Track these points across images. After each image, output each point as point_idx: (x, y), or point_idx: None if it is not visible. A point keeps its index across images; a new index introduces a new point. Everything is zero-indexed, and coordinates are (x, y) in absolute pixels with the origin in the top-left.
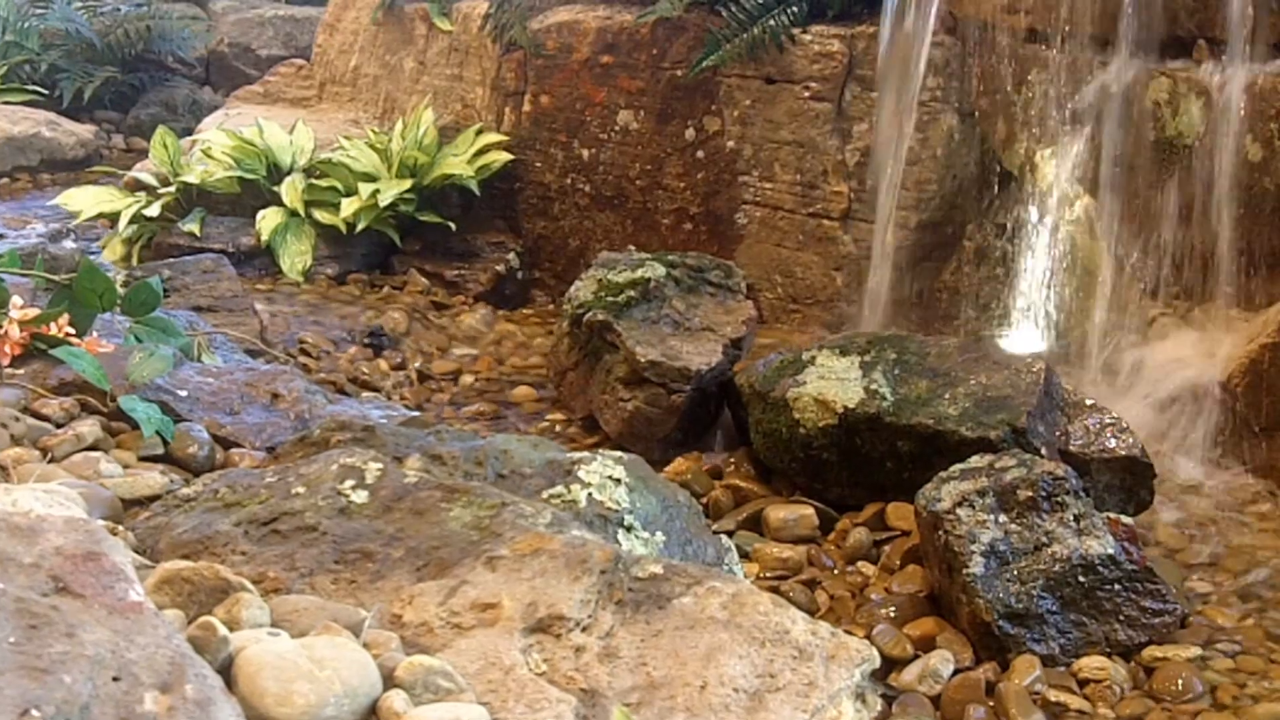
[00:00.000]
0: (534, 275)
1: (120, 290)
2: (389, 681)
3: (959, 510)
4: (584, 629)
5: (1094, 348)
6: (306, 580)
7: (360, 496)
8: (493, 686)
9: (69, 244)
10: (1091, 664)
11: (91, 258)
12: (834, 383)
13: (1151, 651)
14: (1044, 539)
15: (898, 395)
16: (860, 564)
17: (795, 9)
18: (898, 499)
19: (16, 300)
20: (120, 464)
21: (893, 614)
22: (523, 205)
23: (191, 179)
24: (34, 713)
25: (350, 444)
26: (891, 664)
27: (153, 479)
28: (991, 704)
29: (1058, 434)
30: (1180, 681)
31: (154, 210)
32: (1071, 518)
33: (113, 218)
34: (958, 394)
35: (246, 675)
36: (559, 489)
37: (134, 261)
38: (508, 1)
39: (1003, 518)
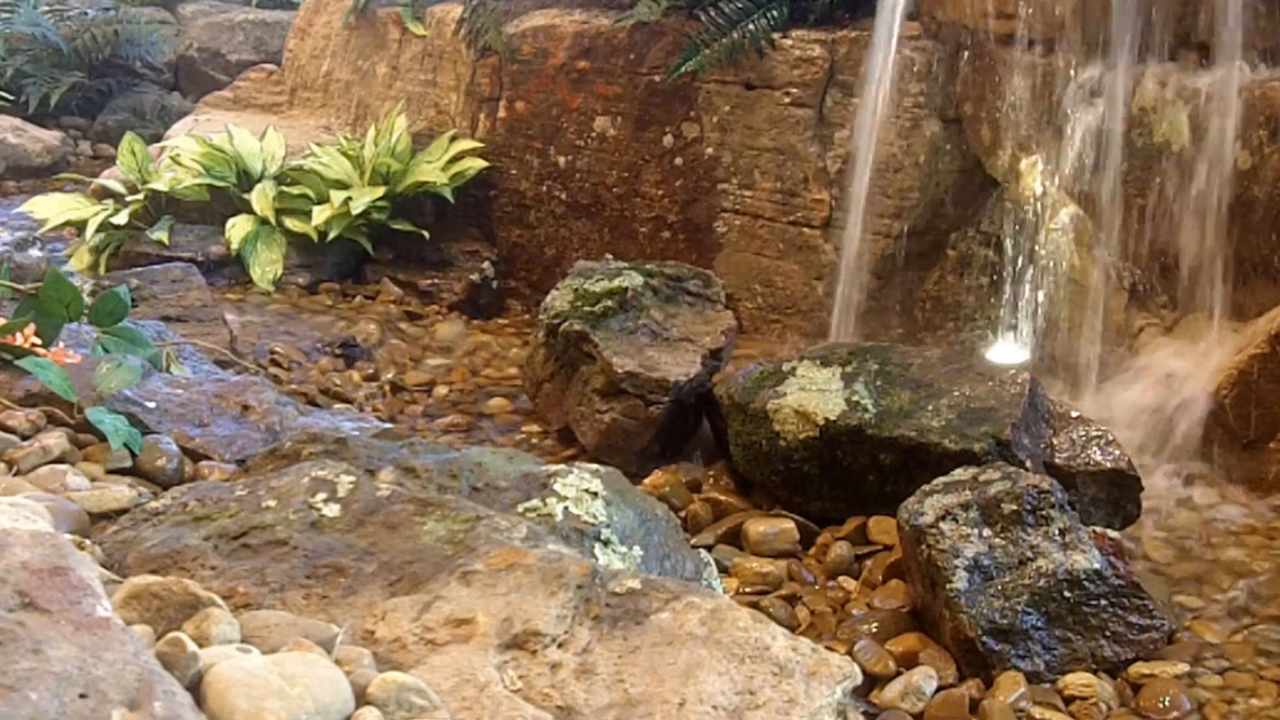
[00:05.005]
0: (509, 284)
1: (87, 300)
2: (361, 699)
3: (942, 524)
4: (560, 645)
5: (1080, 358)
6: (277, 595)
7: (332, 510)
8: (467, 704)
9: (35, 252)
10: (1077, 681)
11: (58, 266)
12: (815, 394)
13: (1138, 668)
14: (1029, 553)
15: (880, 407)
16: (841, 579)
17: (775, 14)
18: (880, 513)
19: None
20: (87, 477)
21: (874, 630)
22: (498, 213)
23: (160, 186)
24: None
25: (322, 457)
26: (873, 681)
27: (120, 492)
28: None
29: (1043, 446)
30: (1168, 698)
31: (122, 218)
32: (1057, 532)
33: (80, 226)
34: (941, 406)
35: (216, 692)
36: (534, 502)
37: (101, 270)
38: (482, 6)
39: (986, 532)
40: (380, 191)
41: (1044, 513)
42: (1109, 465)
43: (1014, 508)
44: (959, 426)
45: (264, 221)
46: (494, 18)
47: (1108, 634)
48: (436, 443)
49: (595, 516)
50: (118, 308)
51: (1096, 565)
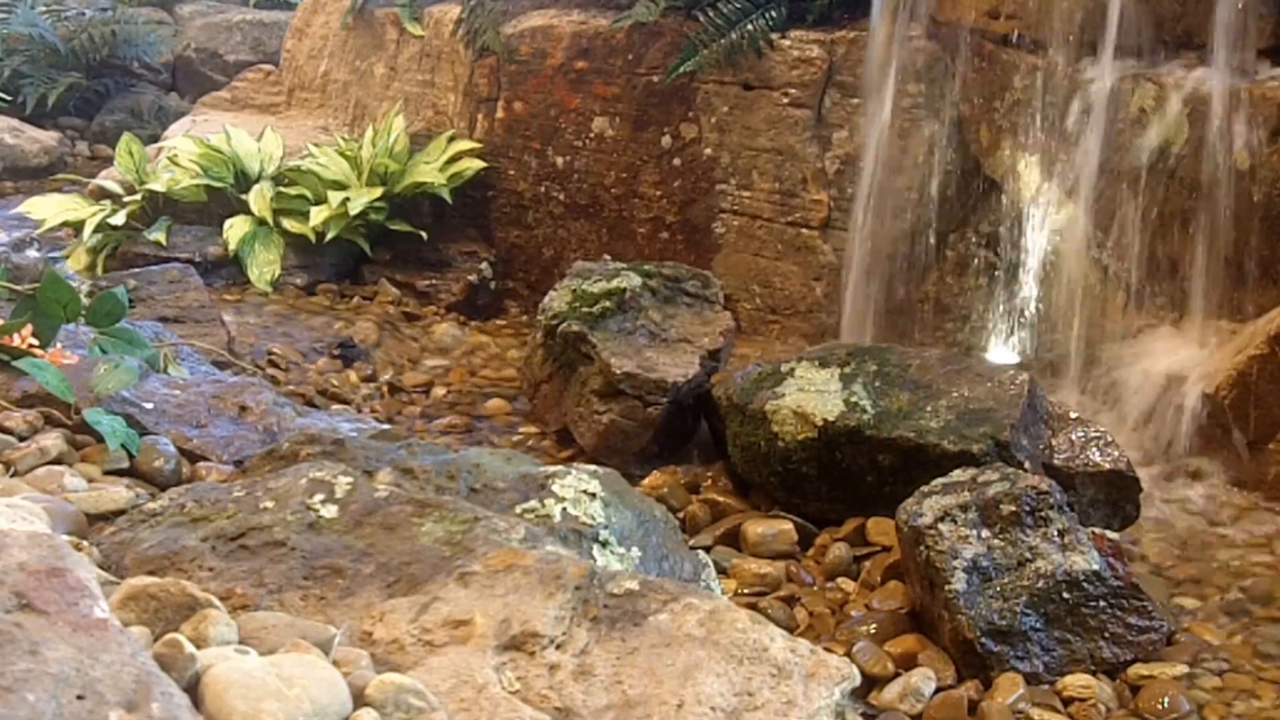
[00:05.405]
0: (507, 285)
1: (85, 300)
2: (359, 700)
3: (941, 525)
4: (558, 646)
5: (1078, 359)
6: (275, 597)
7: (330, 511)
8: (465, 705)
9: (32, 253)
10: (1076, 682)
11: (55, 267)
12: (813, 395)
13: (1137, 669)
14: (1027, 554)
15: (878, 408)
16: (840, 580)
17: (774, 14)
18: (878, 514)
19: None
20: (85, 478)
21: (873, 631)
22: (496, 214)
23: (157, 187)
24: None
25: (320, 457)
26: (872, 682)
27: (118, 493)
28: None
29: (1041, 447)
30: (1166, 700)
31: (119, 219)
32: (1055, 533)
33: (77, 226)
34: (939, 406)
35: (214, 694)
36: (533, 504)
37: (99, 271)
38: (480, 6)
39: (985, 533)
40: (378, 192)
41: (1043, 514)
42: (1108, 466)
43: (1013, 509)
44: (958, 427)
45: (261, 222)
46: (492, 18)
47: (1107, 635)
48: (434, 444)
49: (593, 518)
50: (115, 308)
51: (1095, 566)
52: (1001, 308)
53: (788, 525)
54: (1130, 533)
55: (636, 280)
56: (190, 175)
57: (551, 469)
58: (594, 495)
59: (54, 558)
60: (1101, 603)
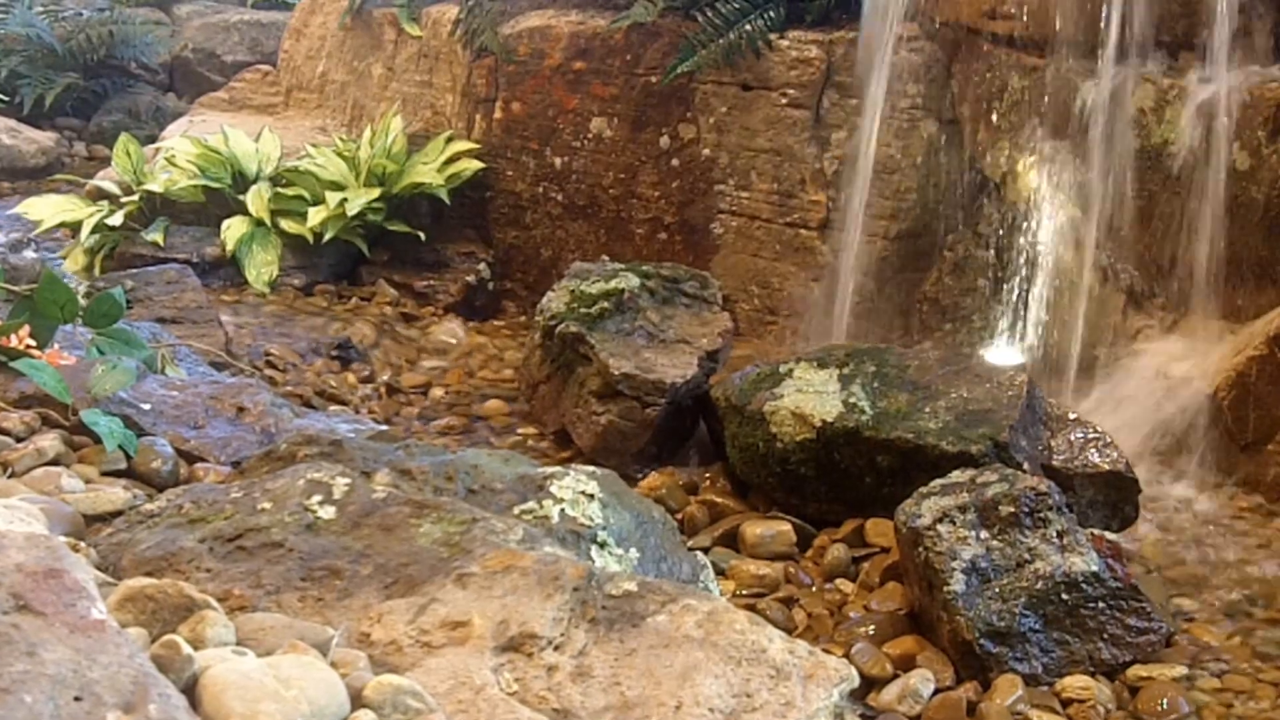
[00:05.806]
0: (505, 286)
1: (82, 301)
2: (357, 701)
3: (939, 526)
4: (556, 648)
5: (1077, 360)
6: (273, 598)
7: (327, 512)
8: (463, 706)
9: (30, 254)
10: (1075, 684)
11: (53, 268)
12: (812, 396)
13: (1136, 671)
14: (1026, 556)
15: (877, 409)
16: (839, 581)
17: (772, 14)
18: (877, 515)
19: None
20: (82, 479)
21: (872, 632)
22: (494, 214)
23: (155, 187)
24: None
25: (317, 459)
26: (871, 683)
27: (115, 494)
28: None
29: (1040, 448)
30: (1165, 701)
31: (116, 219)
32: (1054, 534)
33: (74, 227)
34: (938, 407)
35: (211, 695)
36: (531, 504)
37: (96, 272)
38: (478, 6)
39: (984, 534)
40: (376, 193)
41: (1042, 515)
42: (1107, 467)
43: (1011, 510)
44: (956, 428)
45: (259, 223)
46: (490, 18)
47: (1106, 636)
48: (432, 445)
49: (591, 519)
50: (113, 309)
51: (1094, 568)
52: (1000, 309)
53: (786, 526)
54: (1129, 534)
55: (635, 281)
56: (188, 176)
57: (549, 470)
58: (592, 496)
59: (51, 559)
60: (1100, 604)
